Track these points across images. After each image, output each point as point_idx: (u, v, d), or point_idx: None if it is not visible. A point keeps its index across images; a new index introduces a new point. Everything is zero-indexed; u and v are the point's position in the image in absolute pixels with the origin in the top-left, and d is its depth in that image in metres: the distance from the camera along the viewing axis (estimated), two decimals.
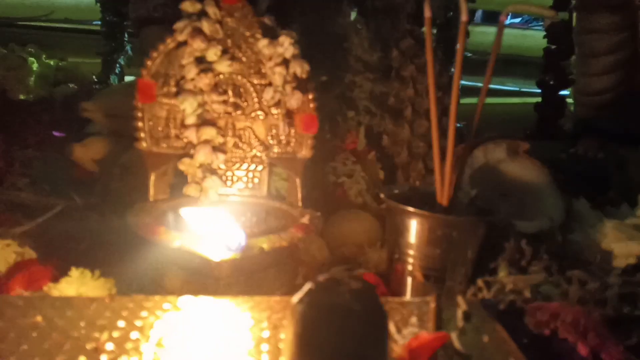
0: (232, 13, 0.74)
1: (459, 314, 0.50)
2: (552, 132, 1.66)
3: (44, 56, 1.78)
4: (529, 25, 3.05)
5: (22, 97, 1.70)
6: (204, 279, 0.59)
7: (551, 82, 1.68)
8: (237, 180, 0.77)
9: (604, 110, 1.53)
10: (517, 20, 3.13)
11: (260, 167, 0.77)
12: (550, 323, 0.48)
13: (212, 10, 0.72)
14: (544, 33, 1.67)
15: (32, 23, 1.88)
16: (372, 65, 0.95)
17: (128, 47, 1.75)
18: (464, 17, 0.60)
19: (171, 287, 0.63)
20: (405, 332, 0.47)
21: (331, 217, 0.82)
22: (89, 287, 0.62)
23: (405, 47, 0.98)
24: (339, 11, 1.03)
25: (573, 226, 0.83)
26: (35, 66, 1.71)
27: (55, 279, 0.64)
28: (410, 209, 0.66)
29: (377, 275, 0.72)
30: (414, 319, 0.49)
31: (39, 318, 0.44)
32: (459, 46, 0.62)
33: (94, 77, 1.79)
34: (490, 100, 1.07)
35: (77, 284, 0.61)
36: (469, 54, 2.11)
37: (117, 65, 1.75)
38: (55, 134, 1.62)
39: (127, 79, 1.83)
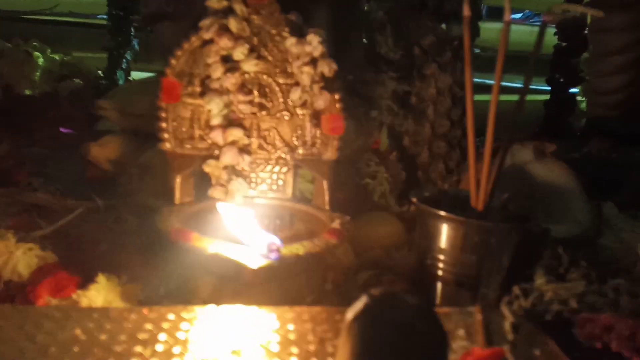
0: (259, 10, 0.72)
1: (507, 326, 0.49)
2: (561, 130, 1.65)
3: (48, 51, 1.75)
4: (530, 20, 3.04)
5: (27, 92, 1.68)
6: (237, 286, 0.58)
7: (561, 80, 1.66)
8: (261, 182, 0.76)
9: (617, 109, 1.52)
10: (519, 15, 3.11)
11: (284, 169, 0.76)
12: (602, 336, 0.47)
13: (239, 7, 0.70)
14: (553, 30, 1.66)
15: (36, 17, 1.85)
16: (395, 63, 0.93)
17: (134, 42, 1.72)
18: (507, 16, 0.59)
19: (201, 293, 0.61)
20: (455, 346, 0.45)
21: (355, 220, 0.80)
22: (116, 294, 0.60)
23: (428, 45, 0.96)
24: (359, 8, 1.01)
25: (602, 230, 0.82)
26: (40, 61, 1.68)
27: (81, 285, 0.62)
28: (444, 213, 0.64)
29: (406, 280, 0.71)
30: (461, 332, 0.48)
31: (78, 331, 0.42)
32: (500, 47, 0.60)
33: (99, 72, 1.77)
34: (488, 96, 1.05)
35: (105, 291, 0.59)
36: (478, 50, 2.10)
37: (124, 60, 1.72)
38: (62, 130, 1.61)
39: (133, 74, 1.81)
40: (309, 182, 0.80)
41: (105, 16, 1.84)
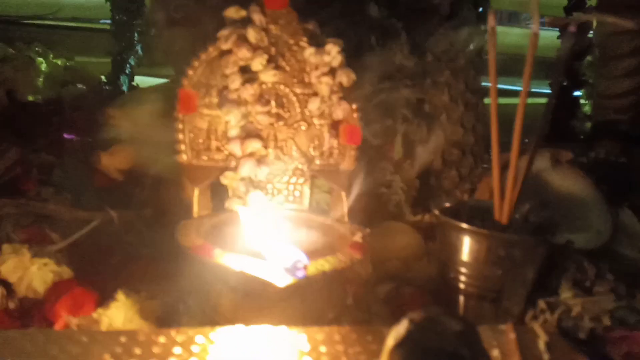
0: (277, 20, 0.70)
1: (541, 345, 0.48)
2: (565, 133, 1.64)
3: (51, 56, 1.74)
4: (526, 24, 3.03)
5: (30, 98, 1.66)
6: (259, 302, 0.57)
7: (564, 83, 1.66)
8: (278, 193, 0.74)
9: (624, 113, 1.51)
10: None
11: (301, 180, 0.75)
12: None
13: (257, 17, 0.69)
14: (555, 33, 1.65)
15: (39, 21, 1.84)
16: (409, 71, 0.92)
17: (138, 47, 1.71)
18: (535, 27, 0.58)
19: (222, 310, 0.60)
20: None
21: (372, 230, 0.79)
22: (135, 311, 0.59)
23: (440, 52, 0.95)
24: (370, 16, 1.00)
25: (619, 237, 0.81)
26: (43, 66, 1.67)
27: (99, 302, 0.61)
28: (468, 226, 0.63)
29: (425, 292, 0.70)
30: (496, 352, 0.47)
31: (106, 356, 0.41)
32: (528, 56, 0.60)
33: (102, 77, 1.75)
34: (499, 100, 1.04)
35: (124, 309, 0.58)
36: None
37: (127, 65, 1.70)
38: (66, 136, 1.59)
39: (137, 78, 1.80)
40: (325, 193, 0.79)
41: (107, 21, 1.83)
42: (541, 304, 0.63)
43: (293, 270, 0.52)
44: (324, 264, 0.56)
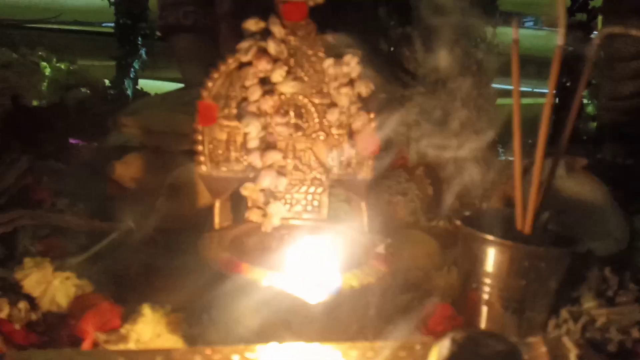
0: (296, 31, 0.70)
1: (573, 358, 0.48)
2: (570, 134, 1.64)
3: (54, 60, 1.73)
4: (523, 23, 3.04)
5: (35, 103, 1.65)
6: (287, 317, 0.57)
7: (568, 84, 1.66)
8: (296, 203, 0.74)
9: (630, 115, 1.52)
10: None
11: (319, 189, 0.75)
12: None
13: (277, 29, 0.68)
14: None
15: (41, 25, 1.83)
16: (422, 77, 0.93)
17: (142, 51, 1.71)
18: (560, 40, 0.58)
19: (247, 323, 0.60)
20: None
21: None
22: (163, 325, 0.59)
23: (452, 59, 0.95)
24: (383, 23, 1.00)
25: (636, 244, 0.81)
26: (47, 71, 1.66)
27: (124, 315, 0.61)
28: (492, 238, 0.64)
29: (448, 303, 0.70)
30: None
31: None
32: (553, 68, 0.60)
33: (106, 81, 1.75)
34: (501, 101, 1.05)
35: (152, 324, 0.58)
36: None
37: (132, 69, 1.70)
38: (72, 141, 1.58)
39: (141, 82, 1.79)
40: (342, 202, 0.79)
41: (110, 24, 1.82)
42: (564, 313, 0.63)
43: (324, 286, 0.52)
44: (352, 279, 0.56)
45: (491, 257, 0.65)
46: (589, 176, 0.86)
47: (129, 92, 1.70)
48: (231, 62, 0.69)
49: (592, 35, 1.65)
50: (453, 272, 0.74)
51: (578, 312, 0.62)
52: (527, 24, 2.87)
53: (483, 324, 0.67)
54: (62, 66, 1.72)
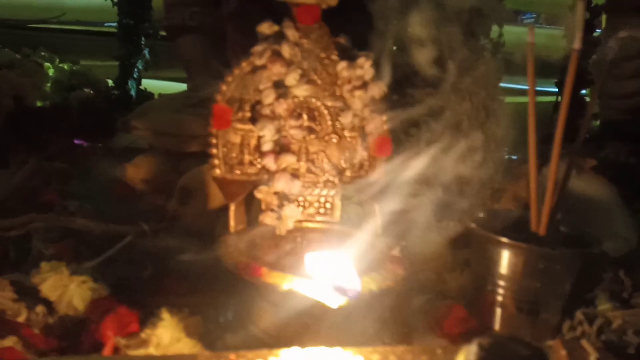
0: (309, 34, 0.71)
1: None
2: (570, 132, 1.65)
3: (57, 60, 1.73)
4: (521, 20, 3.04)
5: (38, 103, 1.65)
6: (306, 320, 0.57)
7: None
8: (309, 206, 0.75)
9: (633, 113, 1.53)
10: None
11: (332, 192, 0.75)
12: None
13: (291, 32, 0.69)
14: (558, 31, 1.66)
15: (43, 25, 1.82)
16: (431, 79, 0.93)
17: (145, 51, 1.70)
18: (577, 44, 0.58)
19: (265, 326, 0.60)
20: None
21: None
22: (181, 329, 0.59)
23: (461, 60, 0.95)
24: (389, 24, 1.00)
25: None
26: (50, 71, 1.66)
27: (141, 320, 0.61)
28: (507, 240, 0.64)
29: (461, 304, 0.70)
30: None
31: None
32: (569, 73, 0.60)
33: (109, 81, 1.75)
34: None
35: (171, 327, 0.58)
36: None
37: (135, 69, 1.70)
38: (76, 142, 1.58)
39: (144, 82, 1.79)
40: (354, 204, 0.80)
41: (112, 23, 1.82)
42: (579, 315, 0.64)
43: (345, 291, 0.52)
44: (371, 283, 0.56)
45: (505, 259, 0.65)
46: (597, 176, 0.87)
47: (132, 92, 1.70)
48: (245, 66, 0.69)
49: (595, 34, 1.65)
50: (466, 273, 0.74)
51: (593, 314, 0.63)
52: (526, 22, 2.87)
53: (497, 326, 0.68)
54: (65, 66, 1.71)
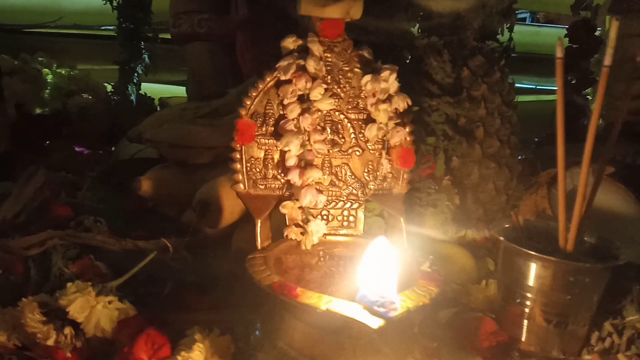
0: (333, 48, 0.70)
1: None
2: (574, 132, 1.65)
3: (55, 65, 1.71)
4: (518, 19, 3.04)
5: (38, 110, 1.63)
6: (341, 339, 0.56)
7: (572, 82, 1.67)
8: (332, 220, 0.74)
9: (637, 114, 1.53)
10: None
11: (355, 205, 0.74)
12: None
13: (316, 47, 0.68)
14: (558, 30, 1.66)
15: (41, 30, 1.80)
16: (447, 87, 0.92)
17: (145, 55, 1.69)
18: (607, 61, 0.58)
19: (297, 345, 0.60)
20: None
21: None
22: (214, 350, 0.58)
23: (475, 66, 0.95)
24: (406, 33, 1.00)
25: None
26: (49, 77, 1.64)
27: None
28: (537, 254, 0.64)
29: (489, 317, 0.70)
30: None
31: None
32: (599, 88, 0.60)
33: (108, 86, 1.73)
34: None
35: (205, 349, 0.57)
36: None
37: (135, 74, 1.68)
38: (77, 149, 1.57)
39: (144, 85, 1.77)
40: (376, 216, 0.79)
41: (110, 27, 1.80)
42: (607, 327, 0.64)
43: (383, 310, 0.52)
44: (407, 301, 0.56)
45: (534, 272, 0.65)
46: (614, 183, 0.87)
47: (132, 97, 1.68)
48: (269, 80, 0.69)
49: (596, 33, 1.65)
50: (491, 285, 0.74)
51: (622, 325, 0.63)
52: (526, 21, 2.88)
53: (524, 338, 0.68)
54: (63, 71, 1.69)
